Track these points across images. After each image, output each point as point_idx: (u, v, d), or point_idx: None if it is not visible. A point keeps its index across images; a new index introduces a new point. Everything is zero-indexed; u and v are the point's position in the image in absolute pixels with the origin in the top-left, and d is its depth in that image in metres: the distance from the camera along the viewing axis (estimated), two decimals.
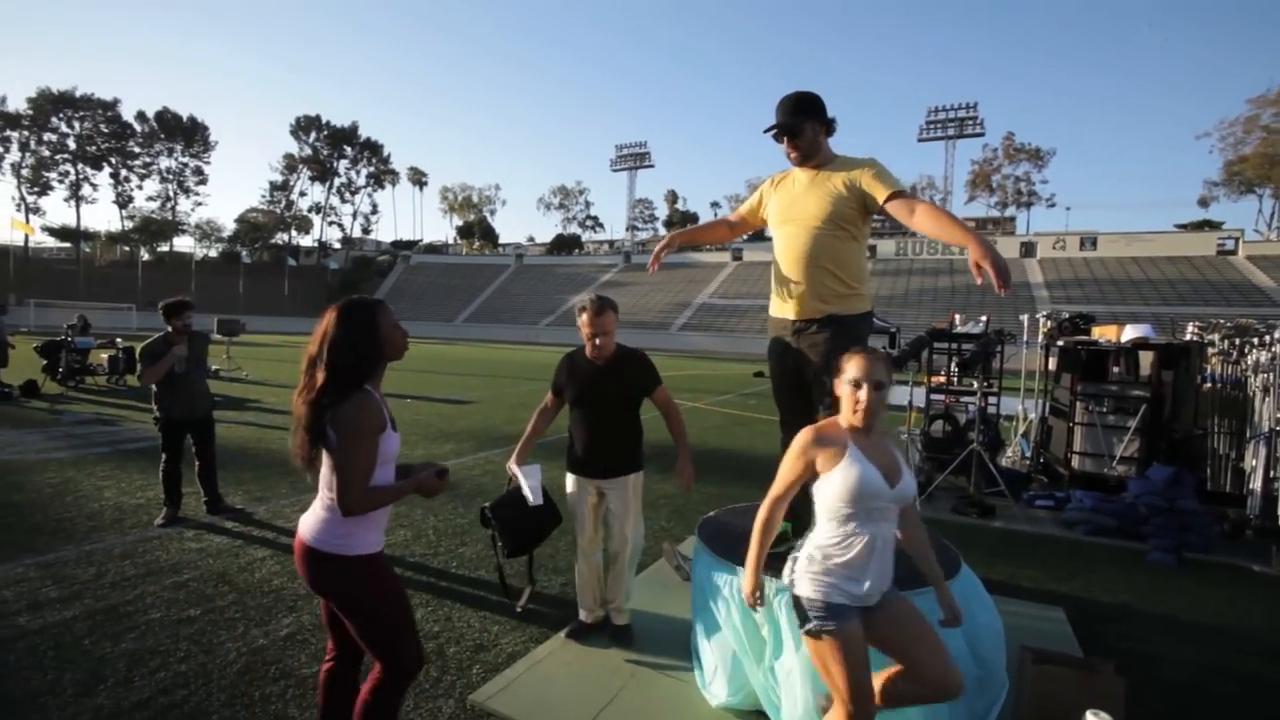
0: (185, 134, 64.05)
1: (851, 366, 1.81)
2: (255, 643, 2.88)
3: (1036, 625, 3.36)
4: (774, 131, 2.41)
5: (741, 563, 2.50)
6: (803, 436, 1.88)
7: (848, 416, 1.84)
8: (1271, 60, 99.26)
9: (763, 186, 2.67)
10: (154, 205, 64.61)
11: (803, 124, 2.37)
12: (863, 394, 1.78)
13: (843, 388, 1.83)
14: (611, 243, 77.15)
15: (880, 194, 2.25)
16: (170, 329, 4.59)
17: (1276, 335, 5.13)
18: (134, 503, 4.96)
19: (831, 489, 1.79)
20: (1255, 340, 5.41)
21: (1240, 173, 50.77)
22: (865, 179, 2.29)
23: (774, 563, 2.56)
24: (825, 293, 2.36)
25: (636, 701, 2.55)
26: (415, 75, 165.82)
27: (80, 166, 59.33)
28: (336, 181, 70.91)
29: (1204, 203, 55.57)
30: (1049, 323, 7.27)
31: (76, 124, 58.56)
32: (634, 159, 71.57)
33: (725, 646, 2.48)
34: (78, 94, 57.56)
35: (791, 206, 2.44)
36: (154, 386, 4.59)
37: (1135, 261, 43.57)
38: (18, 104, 55.24)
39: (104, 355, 12.61)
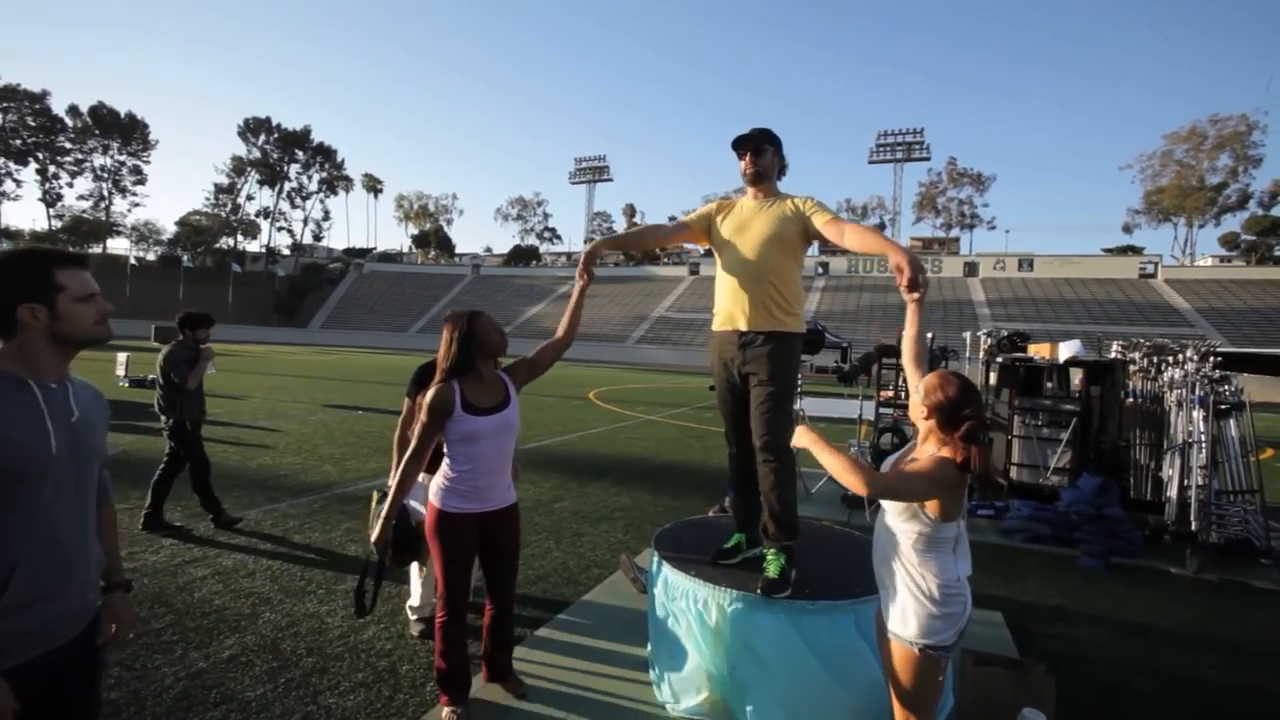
0: (123, 131, 60.97)
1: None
2: (194, 666, 2.75)
3: (976, 629, 3.51)
4: (740, 143, 2.62)
5: (696, 574, 2.55)
6: (954, 471, 1.71)
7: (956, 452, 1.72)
8: (1183, 100, 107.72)
9: (709, 208, 2.83)
10: (86, 204, 61.21)
11: (767, 146, 2.63)
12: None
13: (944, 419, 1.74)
14: (569, 255, 77.03)
15: (821, 218, 2.51)
16: (192, 339, 4.81)
17: (1188, 354, 5.55)
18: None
19: (954, 527, 1.76)
20: (1170, 359, 5.83)
21: (1158, 202, 54.62)
22: (809, 205, 2.56)
23: (726, 575, 2.62)
24: (773, 307, 2.54)
25: (596, 712, 2.55)
26: (370, 85, 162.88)
27: (2, 160, 55.73)
28: (287, 186, 68.59)
29: (1128, 229, 59.49)
30: (989, 340, 7.65)
31: (0, 115, 55.07)
32: (593, 172, 71.87)
33: (682, 656, 2.51)
34: (0, 84, 54.20)
35: (741, 228, 2.63)
36: (160, 396, 4.79)
37: (1068, 282, 46.21)
38: None
39: None
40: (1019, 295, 45.07)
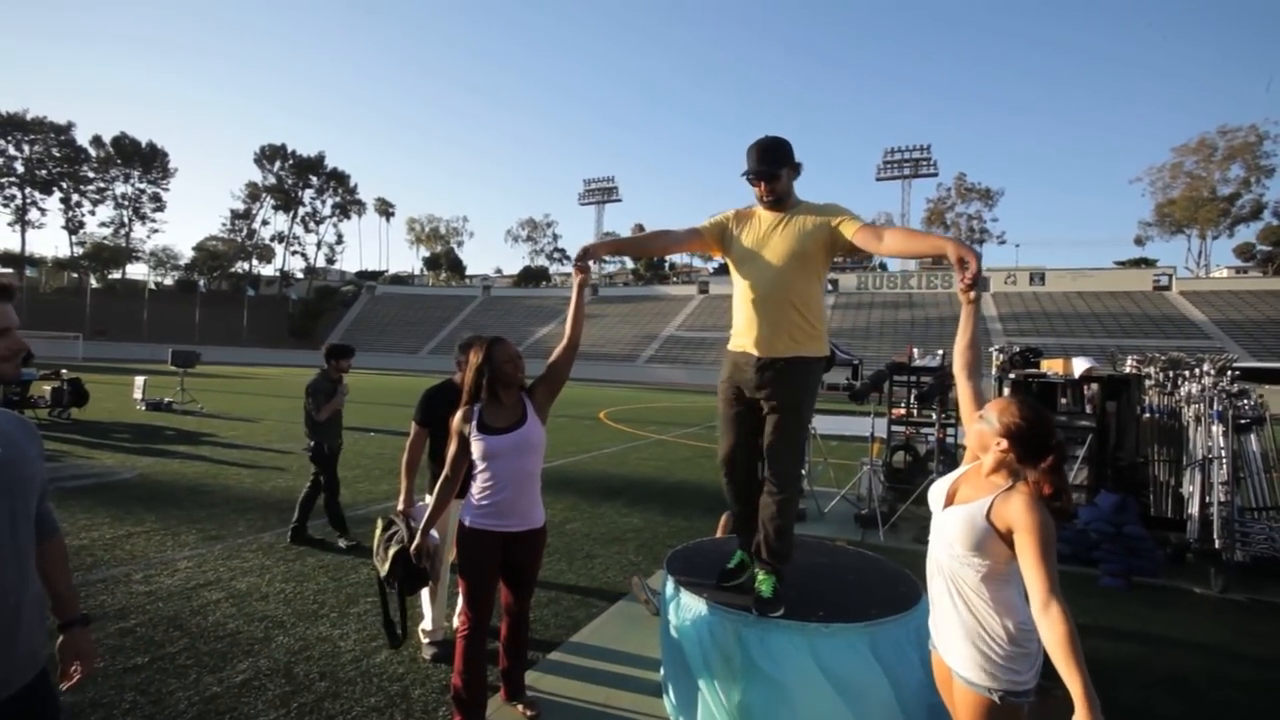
0: (143, 160, 62.56)
1: (993, 402, 1.72)
2: (208, 690, 2.76)
3: None
4: (755, 175, 2.44)
5: (710, 596, 2.53)
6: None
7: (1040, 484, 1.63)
8: (1190, 114, 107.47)
9: (725, 216, 2.64)
10: (107, 231, 62.61)
11: (779, 170, 2.43)
12: (974, 422, 1.73)
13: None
14: None
15: (851, 228, 2.32)
16: (332, 369, 5.08)
17: (1205, 369, 5.48)
18: (77, 544, 4.72)
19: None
20: (1187, 373, 5.76)
21: (1170, 214, 54.28)
22: (834, 216, 2.37)
23: (740, 598, 2.60)
24: (795, 330, 2.39)
25: None
26: (383, 108, 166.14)
27: (28, 190, 57.26)
28: (301, 211, 69.91)
29: (1140, 241, 59.11)
30: (1001, 356, 7.59)
31: (26, 147, 56.72)
32: (602, 193, 72.61)
33: (696, 679, 2.49)
34: (28, 116, 55.90)
35: (760, 245, 2.46)
36: (305, 421, 5.14)
37: (1080, 296, 45.82)
38: None
39: (47, 387, 12.03)
40: (1031, 310, 44.71)
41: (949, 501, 1.71)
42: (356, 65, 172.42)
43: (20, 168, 56.62)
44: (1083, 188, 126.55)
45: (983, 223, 63.52)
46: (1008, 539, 1.54)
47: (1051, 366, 6.93)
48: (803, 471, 2.36)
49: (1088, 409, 6.48)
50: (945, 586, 1.67)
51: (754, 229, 2.52)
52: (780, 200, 2.47)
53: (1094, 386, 6.43)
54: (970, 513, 1.61)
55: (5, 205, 56.36)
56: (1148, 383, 6.23)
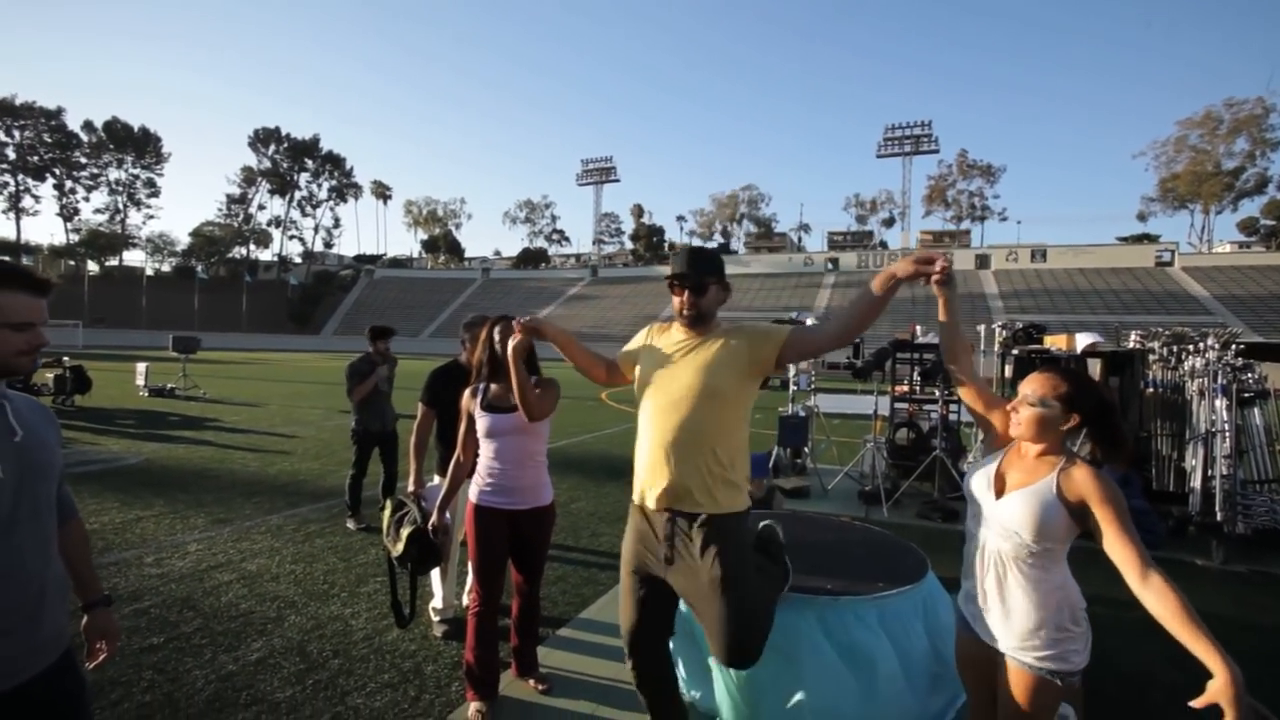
0: (136, 145, 61.98)
1: (1025, 383, 1.67)
2: (224, 669, 2.80)
3: None
4: (679, 280, 2.01)
5: None
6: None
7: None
8: (1197, 85, 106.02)
9: (640, 337, 2.22)
10: (102, 218, 62.28)
11: (709, 282, 2.01)
12: (1021, 409, 1.64)
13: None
14: (578, 256, 77.19)
15: (775, 340, 1.96)
16: (373, 350, 5.00)
17: (1209, 343, 5.47)
18: (88, 528, 4.74)
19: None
20: (1191, 347, 5.75)
21: (1173, 189, 53.86)
22: (758, 336, 1.99)
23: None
24: (712, 481, 1.92)
25: (622, 704, 2.57)
26: (378, 91, 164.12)
27: (21, 177, 56.81)
28: (297, 195, 69.44)
29: (1142, 217, 58.73)
30: (1004, 332, 7.58)
31: (16, 133, 56.14)
32: (600, 173, 72.04)
33: (704, 651, 2.52)
34: (17, 102, 55.23)
35: (668, 368, 2.02)
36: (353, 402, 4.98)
37: (1082, 273, 45.65)
38: None
39: (49, 375, 12.04)
40: (1032, 287, 44.58)
41: (1000, 491, 1.64)
42: (349, 48, 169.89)
43: (11, 154, 56.11)
44: (1085, 163, 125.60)
45: (984, 200, 63.14)
46: (1077, 513, 1.53)
47: (1054, 343, 6.93)
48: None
49: None
50: (1000, 575, 1.62)
51: (663, 347, 2.07)
52: (702, 320, 2.03)
53: (1097, 362, 6.42)
54: (1037, 493, 1.56)
55: None
56: (1151, 358, 6.22)
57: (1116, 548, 1.49)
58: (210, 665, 2.83)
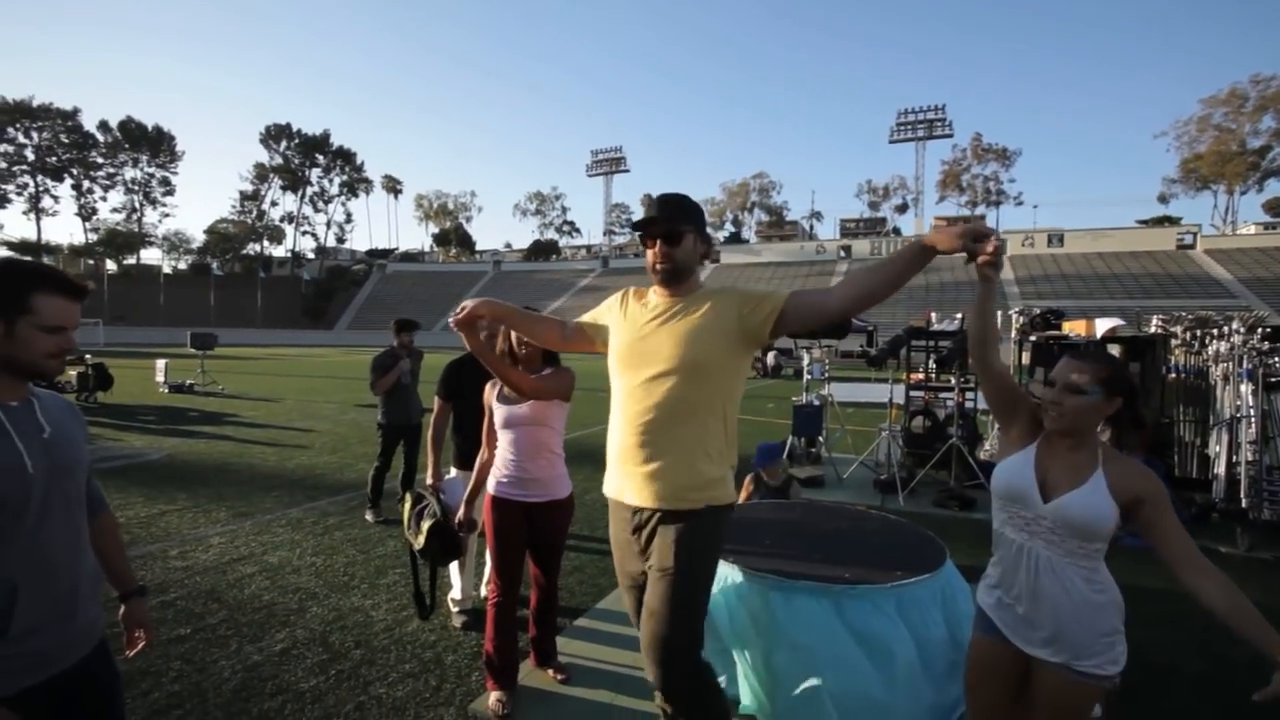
0: (151, 144, 62.67)
1: (1062, 371, 1.57)
2: (249, 659, 2.85)
3: None
4: (646, 226, 1.77)
5: (735, 561, 2.56)
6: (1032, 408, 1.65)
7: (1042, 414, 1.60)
8: (1220, 61, 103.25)
9: (613, 300, 1.96)
10: (119, 217, 63.18)
11: (684, 230, 1.76)
12: (1050, 392, 1.56)
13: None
14: (589, 248, 77.16)
15: (771, 304, 1.68)
16: (398, 343, 5.00)
17: (1234, 326, 5.36)
18: None
19: (995, 477, 1.64)
20: (1215, 332, 5.64)
21: (1196, 170, 52.67)
22: (749, 298, 1.73)
23: (765, 562, 2.62)
24: (690, 472, 1.68)
25: (638, 692, 2.59)
26: (387, 85, 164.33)
27: (40, 178, 57.70)
28: (309, 190, 69.94)
29: (1163, 199, 57.56)
30: (1021, 319, 7.47)
31: (35, 134, 56.97)
32: (610, 164, 71.74)
33: (722, 641, 2.53)
34: (35, 103, 55.99)
35: (644, 339, 1.76)
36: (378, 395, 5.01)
37: (1100, 257, 44.87)
38: None
39: (72, 372, 12.28)
40: (1049, 272, 43.92)
41: (1048, 491, 1.53)
42: (357, 43, 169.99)
43: (30, 155, 56.95)
44: (1103, 146, 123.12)
45: (999, 184, 62.17)
46: (1126, 508, 1.47)
47: (1073, 328, 6.82)
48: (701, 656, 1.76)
49: None
50: (1049, 580, 1.51)
51: (638, 315, 1.82)
52: (678, 274, 1.78)
53: (1117, 348, 6.32)
54: (1093, 492, 1.48)
55: (19, 194, 56.94)
56: (1173, 342, 6.12)
57: (1174, 540, 1.44)
58: (236, 656, 2.88)
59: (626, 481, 1.76)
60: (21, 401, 1.28)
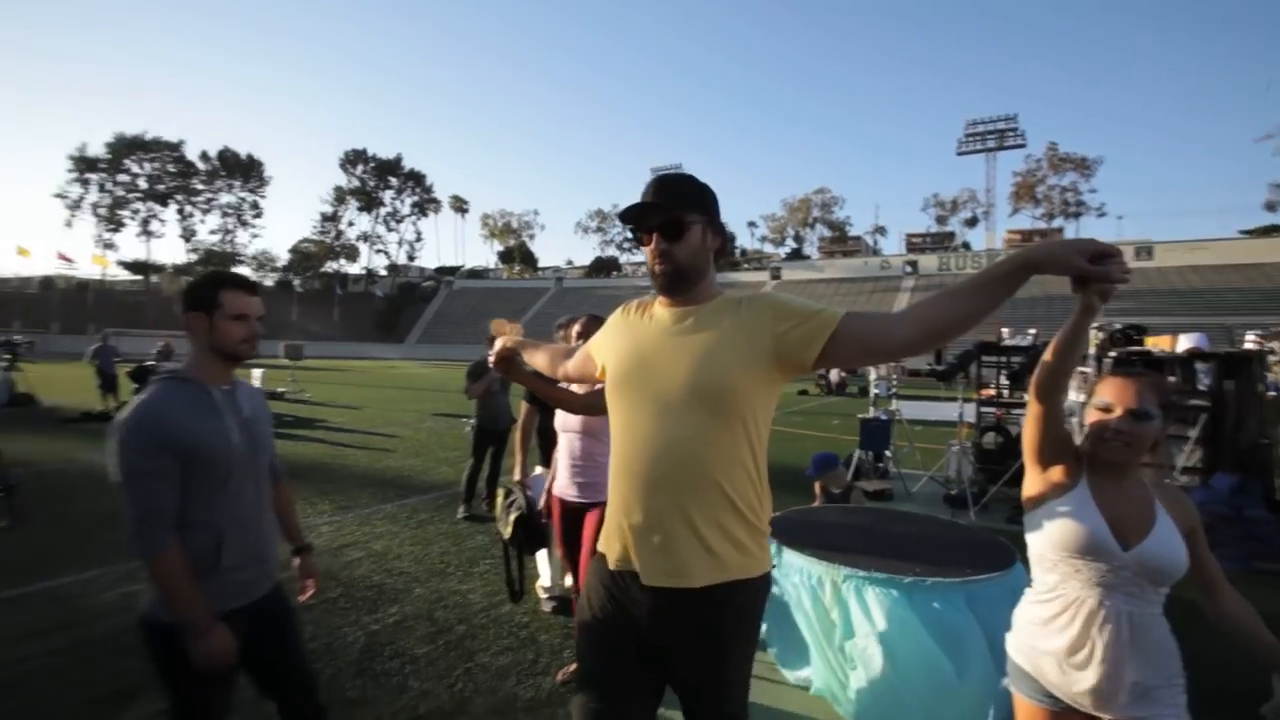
0: (243, 170, 68.06)
1: (1104, 388, 1.42)
2: (369, 628, 3.22)
3: None
4: (635, 215, 1.38)
5: (811, 553, 2.73)
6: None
7: (1091, 444, 1.44)
8: None
9: (616, 311, 1.57)
10: (215, 238, 68.69)
11: (689, 219, 1.35)
12: (1112, 420, 1.38)
13: (1090, 411, 1.44)
14: None
15: (822, 319, 1.26)
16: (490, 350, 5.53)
17: None
18: None
19: (1040, 528, 1.45)
20: None
21: None
22: (784, 313, 1.30)
23: (840, 554, 2.78)
24: (717, 534, 1.28)
25: None
26: (455, 99, 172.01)
27: (149, 204, 63.61)
28: (382, 211, 74.01)
29: (1271, 207, 53.04)
30: (1101, 334, 7.23)
31: (146, 165, 62.97)
32: None
33: (796, 629, 2.70)
34: (148, 137, 61.99)
35: (648, 361, 1.36)
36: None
37: (1195, 270, 41.79)
38: (97, 149, 60.00)
39: None
40: (1137, 287, 41.14)
41: (1125, 537, 1.36)
42: (428, 60, 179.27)
43: (143, 184, 62.96)
44: (1197, 152, 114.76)
45: (1079, 195, 58.93)
46: (1186, 541, 1.40)
47: (1157, 343, 6.58)
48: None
49: (1204, 387, 6.12)
50: (1130, 634, 1.36)
51: (639, 332, 1.43)
52: (681, 278, 1.37)
53: (1208, 365, 6.05)
54: (1171, 533, 1.37)
55: (132, 219, 62.90)
56: (1271, 358, 5.82)
57: (1208, 565, 1.42)
58: (356, 624, 3.26)
59: (635, 547, 1.32)
60: (229, 387, 1.65)
